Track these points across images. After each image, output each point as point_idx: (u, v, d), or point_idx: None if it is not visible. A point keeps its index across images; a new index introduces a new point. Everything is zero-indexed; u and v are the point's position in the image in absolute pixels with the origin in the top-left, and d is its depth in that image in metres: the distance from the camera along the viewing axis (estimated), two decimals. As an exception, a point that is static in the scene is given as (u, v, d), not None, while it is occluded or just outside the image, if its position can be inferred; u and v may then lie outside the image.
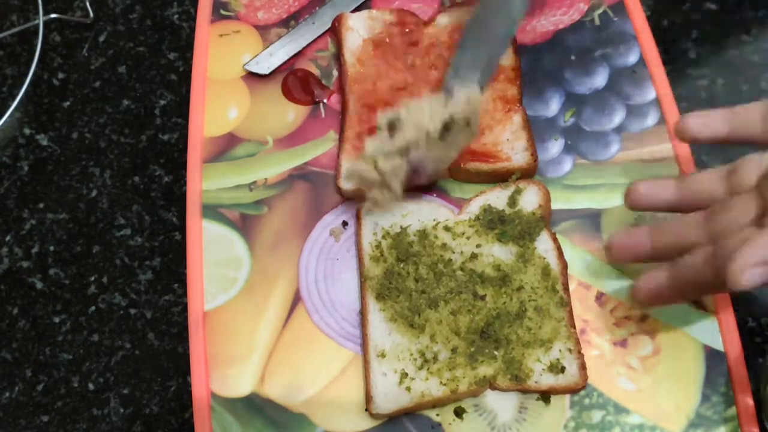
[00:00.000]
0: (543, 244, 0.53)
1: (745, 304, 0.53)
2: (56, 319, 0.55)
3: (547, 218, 0.54)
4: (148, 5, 0.65)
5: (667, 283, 0.46)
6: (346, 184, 0.55)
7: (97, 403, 0.52)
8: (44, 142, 0.60)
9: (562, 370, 0.49)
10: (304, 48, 0.62)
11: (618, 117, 0.58)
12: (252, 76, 0.60)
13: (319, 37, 0.62)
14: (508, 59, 0.58)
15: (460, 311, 0.50)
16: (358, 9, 0.63)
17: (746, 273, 0.40)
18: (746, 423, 0.49)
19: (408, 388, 0.49)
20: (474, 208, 0.54)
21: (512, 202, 0.54)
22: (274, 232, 0.55)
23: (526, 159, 0.55)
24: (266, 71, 0.60)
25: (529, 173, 0.56)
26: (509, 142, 0.56)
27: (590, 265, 0.53)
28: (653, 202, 0.49)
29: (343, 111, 0.58)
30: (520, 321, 0.50)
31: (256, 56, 0.61)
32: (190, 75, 0.60)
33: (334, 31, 0.61)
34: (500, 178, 0.55)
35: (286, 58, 0.61)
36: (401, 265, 0.52)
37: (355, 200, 0.55)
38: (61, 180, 0.59)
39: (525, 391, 0.49)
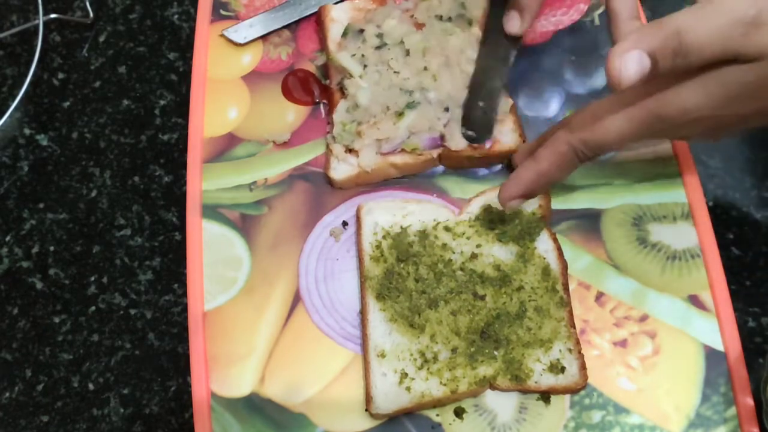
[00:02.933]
0: (543, 244, 0.53)
1: (745, 304, 0.53)
2: (56, 319, 0.54)
3: (547, 218, 0.54)
4: (148, 5, 0.65)
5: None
6: (335, 174, 0.55)
7: (97, 403, 0.52)
8: (44, 142, 0.60)
9: (562, 370, 0.49)
10: (283, 27, 0.62)
11: (618, 117, 0.58)
12: (252, 76, 0.60)
13: (302, 19, 0.62)
14: None
15: (460, 311, 0.50)
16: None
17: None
18: (746, 423, 0.49)
19: (408, 388, 0.49)
20: (474, 208, 0.54)
21: (512, 202, 0.54)
22: (274, 232, 0.55)
23: (515, 140, 0.56)
24: (242, 41, 0.61)
25: None
26: (496, 126, 0.56)
27: (590, 265, 0.53)
28: None
29: (331, 101, 0.58)
30: (520, 321, 0.50)
31: (235, 25, 0.61)
32: (190, 75, 0.60)
33: (319, 23, 0.61)
34: (491, 161, 0.56)
35: (265, 32, 0.61)
36: (401, 265, 0.52)
37: (344, 189, 0.56)
38: (61, 180, 0.59)
39: (525, 391, 0.50)
